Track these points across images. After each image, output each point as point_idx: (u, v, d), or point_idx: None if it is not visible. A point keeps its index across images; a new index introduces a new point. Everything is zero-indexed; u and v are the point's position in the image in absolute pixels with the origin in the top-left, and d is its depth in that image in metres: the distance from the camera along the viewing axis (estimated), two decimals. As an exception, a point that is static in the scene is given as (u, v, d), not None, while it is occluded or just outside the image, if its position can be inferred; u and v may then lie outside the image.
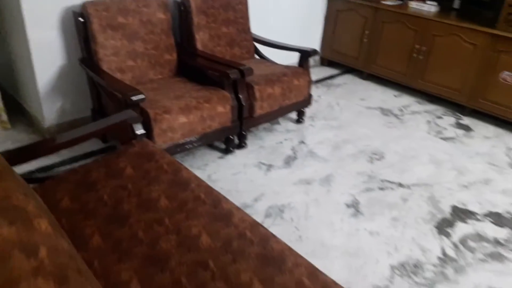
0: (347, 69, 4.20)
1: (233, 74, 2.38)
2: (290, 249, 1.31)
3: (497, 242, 2.12)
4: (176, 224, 1.36)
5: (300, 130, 3.04)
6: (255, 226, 1.39)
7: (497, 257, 2.02)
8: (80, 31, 2.36)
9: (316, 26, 4.10)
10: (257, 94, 2.56)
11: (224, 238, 1.32)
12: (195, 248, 1.27)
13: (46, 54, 2.41)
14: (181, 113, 2.21)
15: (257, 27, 3.19)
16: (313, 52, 2.87)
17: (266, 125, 3.04)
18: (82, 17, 2.33)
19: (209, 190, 1.56)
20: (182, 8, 2.72)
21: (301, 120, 3.11)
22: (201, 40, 2.79)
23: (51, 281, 0.73)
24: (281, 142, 2.86)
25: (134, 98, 1.99)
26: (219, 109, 2.38)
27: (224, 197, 1.53)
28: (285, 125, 3.10)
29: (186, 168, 1.69)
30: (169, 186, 1.55)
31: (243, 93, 2.51)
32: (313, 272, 1.23)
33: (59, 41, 2.44)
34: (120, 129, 1.87)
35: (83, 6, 2.31)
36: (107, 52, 2.38)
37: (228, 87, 2.45)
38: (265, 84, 2.61)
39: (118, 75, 2.41)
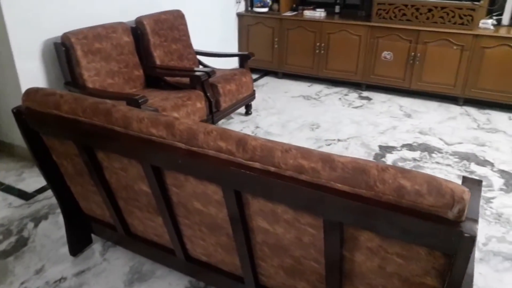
0: (265, 72, 5.00)
1: (203, 76, 2.94)
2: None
3: (415, 159, 3.04)
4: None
5: (252, 119, 3.69)
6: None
7: (417, 167, 2.93)
8: (63, 58, 2.69)
9: (232, 41, 4.83)
10: (221, 91, 3.15)
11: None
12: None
13: (32, 82, 2.65)
14: (173, 110, 2.70)
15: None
16: (251, 55, 3.58)
17: (223, 121, 3.63)
18: (64, 46, 2.67)
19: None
20: (139, 31, 3.19)
21: (249, 112, 3.77)
22: (158, 56, 3.28)
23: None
24: (241, 129, 3.47)
25: (140, 100, 2.43)
26: (198, 105, 2.91)
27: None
28: (238, 118, 3.72)
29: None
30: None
31: (210, 91, 3.08)
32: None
33: (42, 69, 2.72)
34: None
35: (65, 36, 2.65)
36: (91, 73, 2.75)
37: (199, 88, 3.00)
38: (224, 83, 3.22)
39: (103, 92, 2.78)
